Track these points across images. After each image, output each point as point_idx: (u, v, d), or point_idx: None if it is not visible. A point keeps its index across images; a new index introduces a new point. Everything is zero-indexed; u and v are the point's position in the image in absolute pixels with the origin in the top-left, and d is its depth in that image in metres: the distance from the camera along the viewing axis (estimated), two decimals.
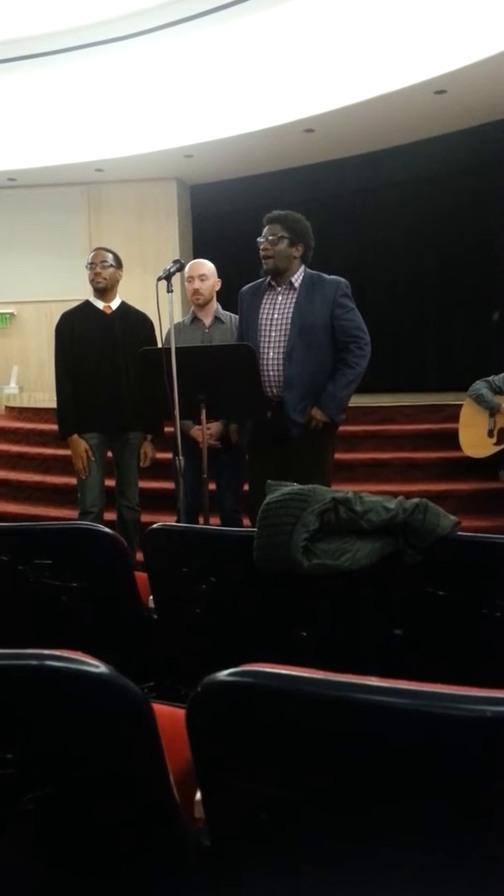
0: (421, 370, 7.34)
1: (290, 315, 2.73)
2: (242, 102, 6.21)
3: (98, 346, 3.17)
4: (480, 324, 6.83)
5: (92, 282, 3.20)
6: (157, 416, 3.10)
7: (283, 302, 2.77)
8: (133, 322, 3.24)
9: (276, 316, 2.77)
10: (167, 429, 3.18)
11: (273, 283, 2.81)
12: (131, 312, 3.28)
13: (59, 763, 0.86)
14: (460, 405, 4.25)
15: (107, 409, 3.16)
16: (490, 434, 4.05)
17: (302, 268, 2.80)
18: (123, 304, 3.28)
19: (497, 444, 4.02)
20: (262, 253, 2.75)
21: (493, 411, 4.01)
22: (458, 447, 4.21)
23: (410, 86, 5.49)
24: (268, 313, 2.79)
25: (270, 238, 2.73)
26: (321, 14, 5.44)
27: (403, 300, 7.50)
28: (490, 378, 4.10)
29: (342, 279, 2.80)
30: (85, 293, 3.39)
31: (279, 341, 2.74)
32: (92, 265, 3.19)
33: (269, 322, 2.78)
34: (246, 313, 2.86)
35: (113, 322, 3.21)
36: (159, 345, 3.14)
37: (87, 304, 3.27)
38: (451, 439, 4.26)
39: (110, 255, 3.23)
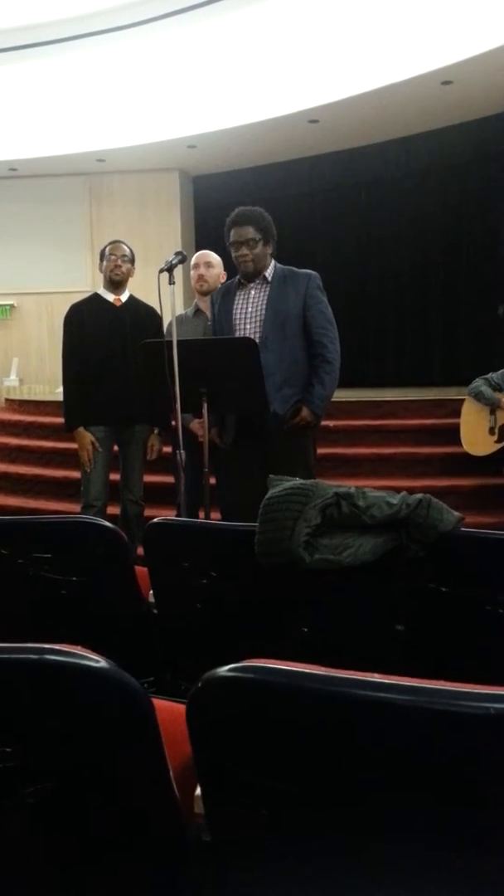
0: (425, 364, 7.32)
1: (263, 305, 2.75)
2: (246, 92, 6.17)
3: (107, 339, 3.15)
4: (485, 318, 6.80)
5: (111, 272, 3.16)
6: (163, 409, 3.09)
7: (257, 295, 2.78)
8: (142, 315, 3.23)
9: (249, 309, 2.78)
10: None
11: (244, 280, 2.81)
12: (140, 306, 3.27)
13: (59, 757, 0.86)
14: (464, 400, 4.23)
15: (114, 402, 3.14)
16: (491, 431, 4.04)
17: (272, 262, 2.81)
18: (133, 298, 3.27)
19: (498, 441, 4.01)
20: (239, 258, 2.73)
21: (493, 408, 4.01)
22: (461, 442, 4.20)
23: (417, 76, 5.45)
24: (241, 307, 2.80)
25: (248, 241, 2.71)
26: (327, 3, 5.39)
27: (408, 293, 7.48)
28: (489, 375, 4.09)
29: (314, 272, 2.81)
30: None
31: (254, 332, 2.74)
32: (112, 256, 3.16)
33: (243, 315, 2.78)
34: (218, 314, 2.87)
35: (123, 315, 3.20)
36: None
37: (96, 297, 3.26)
38: (455, 434, 4.25)
39: (128, 250, 3.21)
